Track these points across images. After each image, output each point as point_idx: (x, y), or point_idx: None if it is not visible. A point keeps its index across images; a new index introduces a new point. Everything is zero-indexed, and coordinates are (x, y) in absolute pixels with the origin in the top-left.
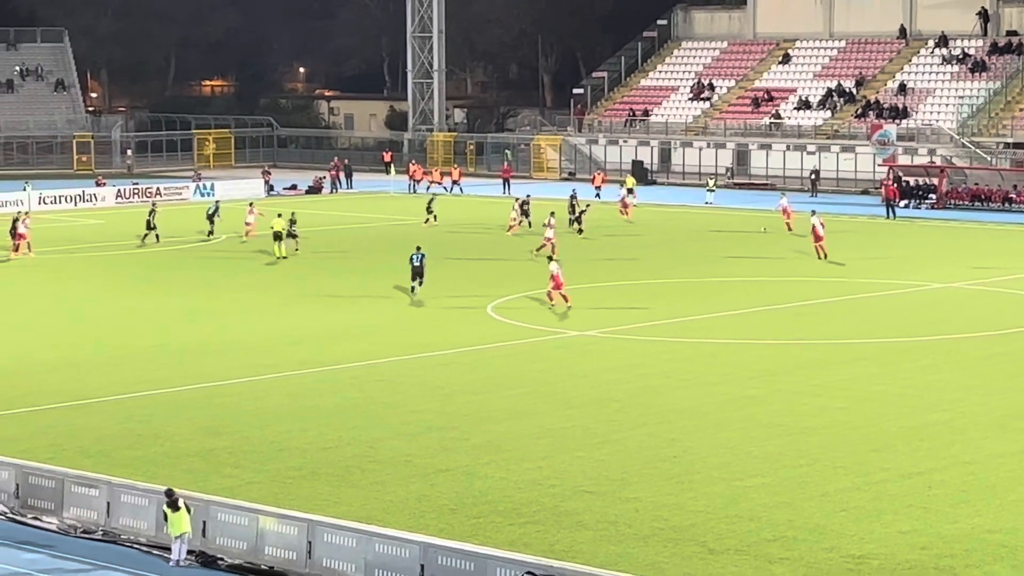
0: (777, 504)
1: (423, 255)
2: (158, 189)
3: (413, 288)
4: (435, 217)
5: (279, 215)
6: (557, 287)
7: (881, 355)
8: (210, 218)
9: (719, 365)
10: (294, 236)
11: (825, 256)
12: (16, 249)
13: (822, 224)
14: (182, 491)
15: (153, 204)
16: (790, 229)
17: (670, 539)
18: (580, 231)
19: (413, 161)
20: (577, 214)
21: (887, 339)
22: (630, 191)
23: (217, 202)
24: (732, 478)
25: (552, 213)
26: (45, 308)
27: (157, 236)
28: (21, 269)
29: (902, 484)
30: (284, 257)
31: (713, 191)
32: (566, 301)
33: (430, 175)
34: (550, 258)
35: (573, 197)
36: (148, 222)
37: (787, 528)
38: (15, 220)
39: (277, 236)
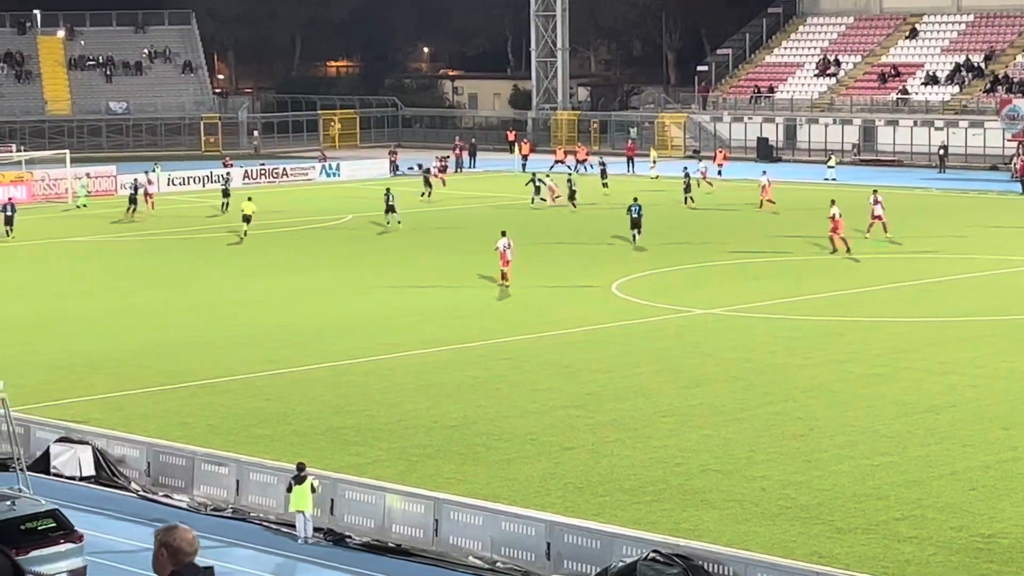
0: (906, 483)
1: (640, 206)
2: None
3: (634, 237)
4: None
5: (249, 198)
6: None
7: (1011, 332)
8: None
9: (845, 343)
10: (393, 210)
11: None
12: (131, 213)
13: (879, 203)
14: (310, 470)
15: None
16: (762, 206)
17: (797, 518)
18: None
19: (525, 140)
20: (689, 189)
21: (1017, 316)
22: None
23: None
24: (860, 456)
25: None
26: (173, 288)
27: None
28: (150, 250)
29: None
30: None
31: (833, 167)
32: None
33: (569, 154)
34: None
35: (686, 174)
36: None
37: (916, 507)
38: (136, 182)
39: (246, 219)
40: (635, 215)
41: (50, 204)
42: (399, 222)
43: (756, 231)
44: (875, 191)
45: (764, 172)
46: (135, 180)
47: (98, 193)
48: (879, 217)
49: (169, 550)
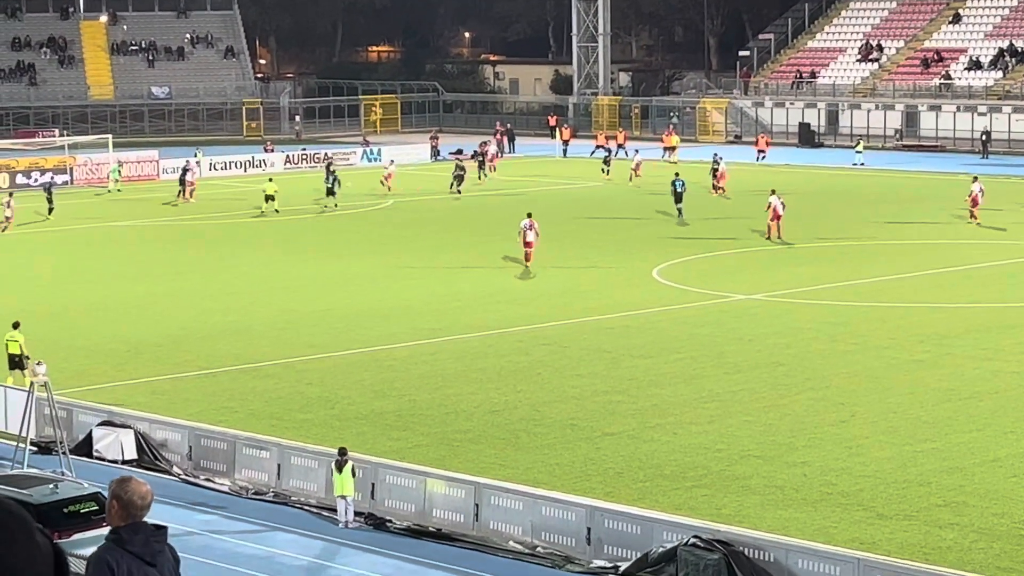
0: (947, 469)
1: (683, 181)
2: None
3: (679, 211)
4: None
5: (270, 179)
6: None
7: None
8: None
9: (887, 329)
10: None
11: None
12: (184, 195)
13: (982, 191)
14: (352, 454)
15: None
16: (714, 191)
17: (838, 504)
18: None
19: (566, 125)
20: (716, 176)
21: None
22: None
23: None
24: (901, 443)
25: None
26: (213, 273)
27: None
28: (191, 235)
29: None
30: (277, 211)
31: (861, 152)
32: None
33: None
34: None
35: (715, 160)
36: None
37: (957, 493)
38: (184, 169)
39: (269, 198)
40: (679, 189)
41: (92, 188)
42: (336, 205)
43: (792, 217)
44: (975, 178)
45: (716, 154)
46: (186, 162)
47: (140, 178)
48: (976, 202)
49: (120, 502)
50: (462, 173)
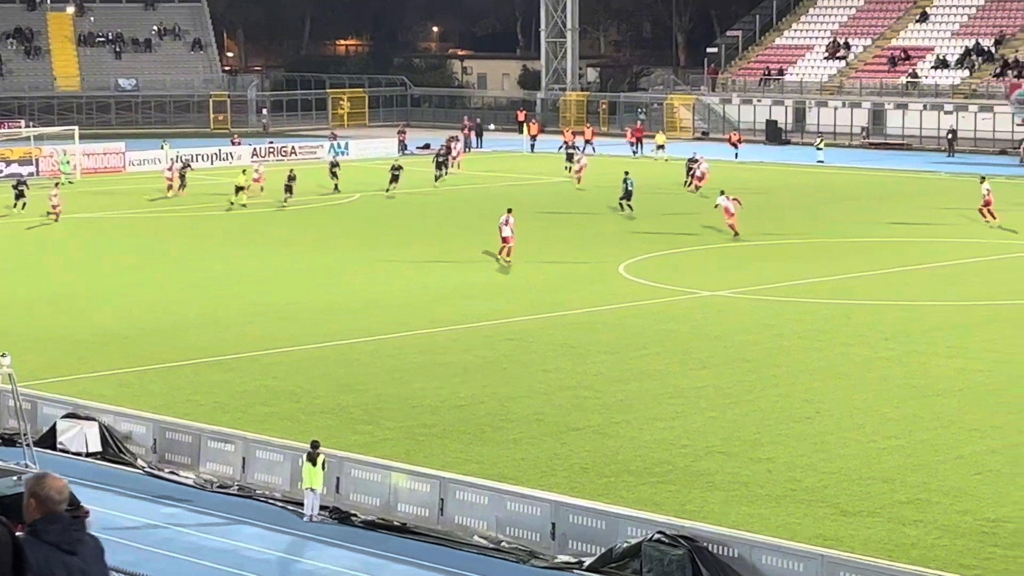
0: (912, 466)
1: (633, 181)
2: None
3: (624, 206)
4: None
5: (244, 171)
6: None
7: (1019, 316)
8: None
9: (853, 326)
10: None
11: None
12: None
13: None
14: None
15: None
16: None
17: (803, 500)
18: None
19: (534, 120)
20: (691, 174)
21: None
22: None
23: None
24: (866, 440)
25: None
26: (180, 266)
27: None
28: (159, 228)
29: None
30: (243, 205)
31: (822, 149)
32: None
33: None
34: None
35: (691, 158)
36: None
37: (922, 490)
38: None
39: (239, 189)
40: (629, 188)
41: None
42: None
43: (760, 214)
44: (983, 178)
45: (696, 152)
46: (181, 159)
47: (107, 169)
48: (988, 202)
49: (37, 499)
50: (398, 173)
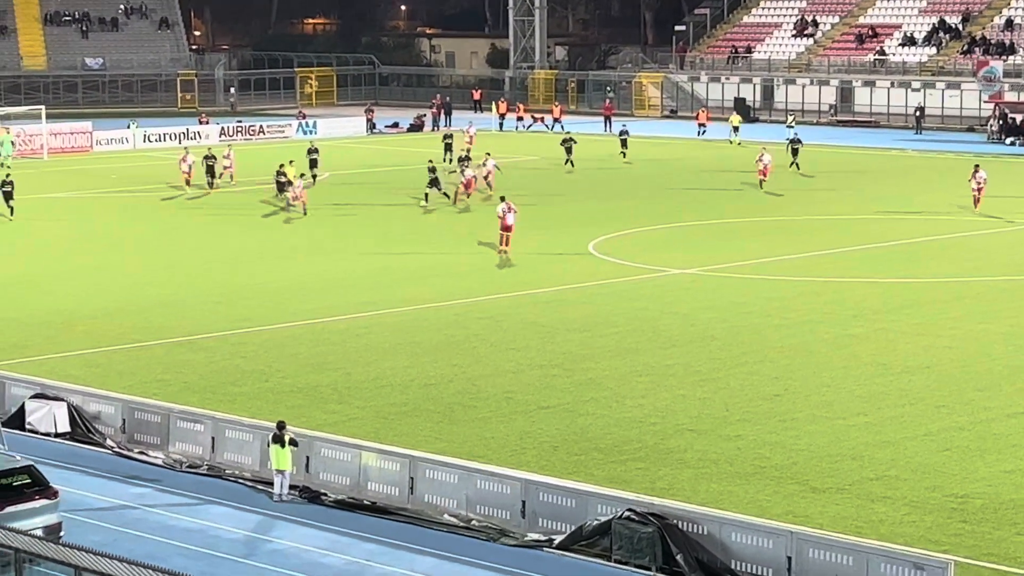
0: (880, 443)
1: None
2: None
3: (569, 162)
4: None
5: (291, 161)
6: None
7: (986, 294)
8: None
9: (821, 304)
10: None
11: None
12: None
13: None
14: (288, 427)
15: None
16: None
17: (772, 477)
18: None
19: (502, 99)
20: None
21: (992, 277)
22: (736, 129)
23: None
24: (834, 417)
25: (488, 153)
26: (149, 246)
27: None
28: (126, 208)
29: (1007, 424)
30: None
31: (793, 127)
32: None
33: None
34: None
35: (623, 133)
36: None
37: (889, 467)
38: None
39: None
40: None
41: (25, 160)
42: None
43: (732, 193)
44: (977, 166)
45: (471, 123)
46: (209, 152)
47: (74, 149)
48: (979, 190)
49: None
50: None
